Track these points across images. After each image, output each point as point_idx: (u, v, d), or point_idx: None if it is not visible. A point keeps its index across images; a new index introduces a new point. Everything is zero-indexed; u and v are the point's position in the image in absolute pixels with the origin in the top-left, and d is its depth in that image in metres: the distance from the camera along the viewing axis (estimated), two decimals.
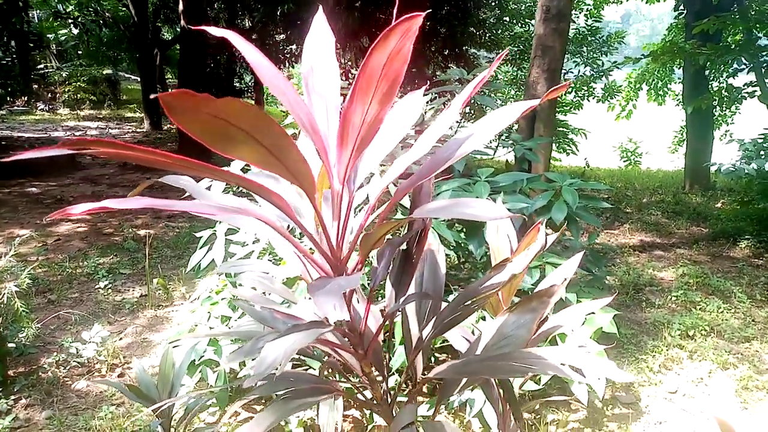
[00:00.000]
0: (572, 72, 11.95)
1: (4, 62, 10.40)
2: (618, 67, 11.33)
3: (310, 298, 1.14)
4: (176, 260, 5.15)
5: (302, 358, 2.02)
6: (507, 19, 11.28)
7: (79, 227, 6.21)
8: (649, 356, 3.38)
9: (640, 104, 12.49)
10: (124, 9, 14.32)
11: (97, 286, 4.52)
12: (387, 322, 1.17)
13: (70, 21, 14.75)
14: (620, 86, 12.12)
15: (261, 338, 0.95)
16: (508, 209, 2.96)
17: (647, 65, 11.19)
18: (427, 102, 3.66)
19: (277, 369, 0.79)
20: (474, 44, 9.20)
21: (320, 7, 1.11)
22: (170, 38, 16.18)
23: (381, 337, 1.23)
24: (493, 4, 9.14)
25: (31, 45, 11.30)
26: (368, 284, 1.31)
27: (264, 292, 1.68)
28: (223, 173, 0.82)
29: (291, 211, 0.94)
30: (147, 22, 12.85)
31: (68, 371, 3.26)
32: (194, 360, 2.51)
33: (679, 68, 10.02)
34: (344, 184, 0.99)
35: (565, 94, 11.70)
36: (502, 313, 1.20)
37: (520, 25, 11.35)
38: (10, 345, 3.21)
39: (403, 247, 1.19)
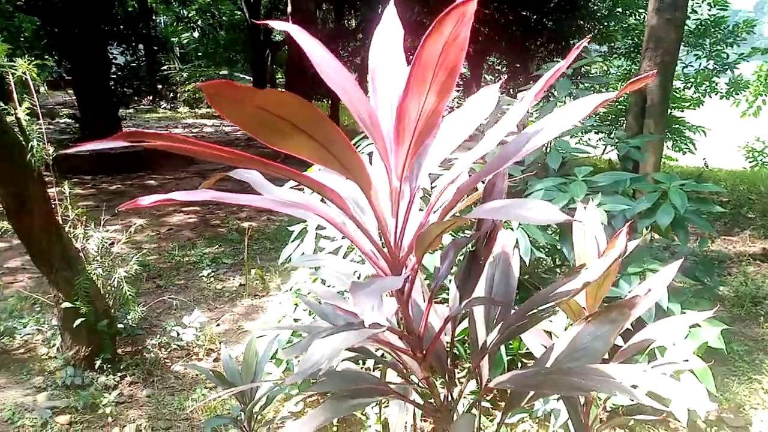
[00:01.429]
0: (692, 66, 11.10)
1: (133, 65, 11.29)
2: (746, 60, 10.38)
3: None
4: (274, 252, 5.33)
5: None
6: (620, 10, 10.68)
7: (189, 218, 6.60)
8: (765, 377, 3.06)
9: None
10: (239, 13, 15.08)
11: (201, 274, 4.78)
12: (450, 325, 1.13)
13: (191, 25, 15.77)
14: (747, 81, 11.09)
15: (315, 334, 0.94)
16: (606, 211, 2.79)
17: None
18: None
19: (321, 367, 0.77)
20: (582, 37, 8.77)
21: (391, 1, 1.08)
22: (281, 40, 16.85)
23: (446, 340, 1.19)
24: None
25: (156, 48, 12.17)
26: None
27: (341, 291, 1.69)
28: (277, 167, 0.81)
29: (348, 208, 0.92)
30: (259, 25, 13.44)
31: (169, 353, 3.47)
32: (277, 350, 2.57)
33: None
34: (401, 181, 0.96)
35: (683, 90, 10.91)
36: (579, 322, 1.11)
37: (634, 16, 10.71)
38: (120, 326, 3.46)
39: (472, 247, 1.14)
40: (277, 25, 0.98)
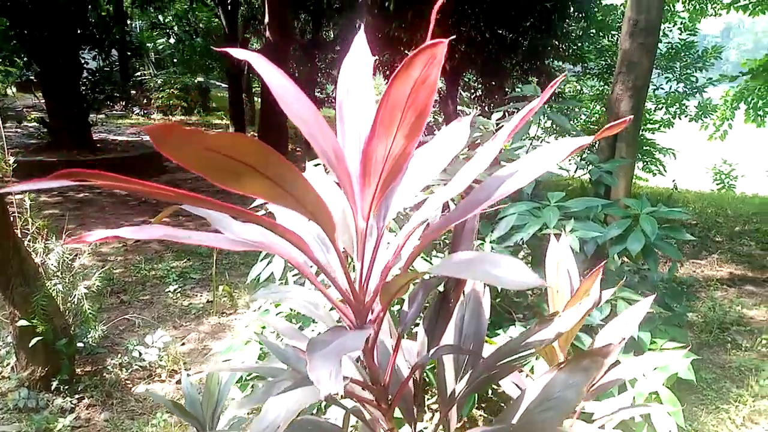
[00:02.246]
0: (663, 88, 11.32)
1: (106, 69, 11.07)
2: (714, 84, 10.63)
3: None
4: (245, 267, 5.22)
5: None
6: (593, 31, 10.85)
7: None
8: (732, 406, 3.07)
9: (736, 124, 11.63)
10: (216, 20, 14.95)
11: (167, 290, 4.65)
12: (416, 373, 1.07)
13: (167, 31, 15.57)
14: (716, 105, 11.35)
15: (274, 385, 0.87)
16: (579, 238, 2.78)
17: (746, 83, 10.43)
18: (500, 118, 3.52)
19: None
20: (557, 57, 8.88)
21: (362, 27, 1.03)
22: (258, 49, 16.75)
23: (413, 391, 1.13)
24: (579, 16, 8.79)
25: (130, 53, 11.97)
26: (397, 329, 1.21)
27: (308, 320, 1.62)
28: (230, 208, 0.75)
29: (310, 252, 0.86)
30: (236, 33, 13.34)
31: (130, 374, 3.35)
32: (242, 376, 2.48)
33: None
34: (368, 223, 0.91)
35: (654, 111, 11.11)
36: (551, 369, 1.07)
37: (607, 38, 10.89)
38: (79, 345, 3.32)
39: (440, 289, 1.10)
40: (237, 53, 0.92)
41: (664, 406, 2.19)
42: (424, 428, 2.45)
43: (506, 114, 3.83)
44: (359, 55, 1.01)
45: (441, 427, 1.11)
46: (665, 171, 9.57)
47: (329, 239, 0.84)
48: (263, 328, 2.78)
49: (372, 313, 0.96)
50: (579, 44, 9.65)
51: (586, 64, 11.03)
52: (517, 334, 2.48)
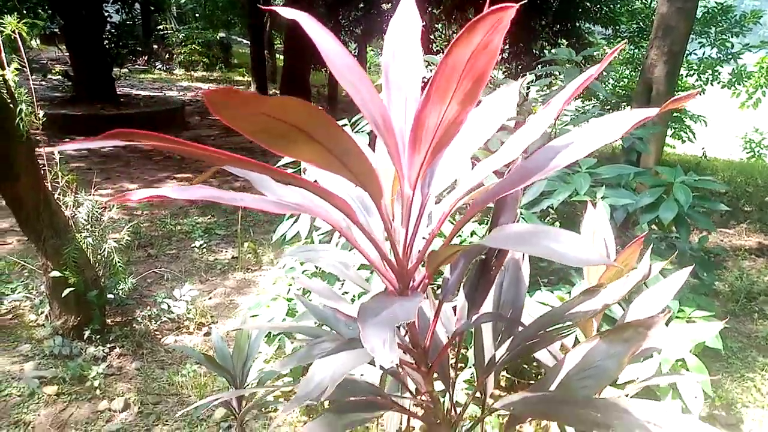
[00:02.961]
0: (696, 53, 10.96)
1: (128, 23, 11.02)
2: (750, 51, 10.25)
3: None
4: (269, 225, 5.26)
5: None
6: None
7: (183, 186, 6.51)
8: (758, 374, 3.06)
9: None
10: None
11: (193, 245, 4.71)
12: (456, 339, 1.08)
13: None
14: (750, 72, 10.97)
15: (315, 346, 0.88)
16: (611, 205, 2.74)
17: None
18: (531, 82, 3.44)
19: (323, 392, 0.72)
20: (587, 19, 8.62)
21: None
22: (281, 4, 16.48)
23: (452, 356, 1.14)
24: None
25: (153, 8, 11.87)
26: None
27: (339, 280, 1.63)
28: (274, 170, 0.75)
29: (354, 216, 0.86)
30: None
31: (159, 326, 3.43)
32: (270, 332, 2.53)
33: None
34: (415, 191, 0.90)
35: (686, 77, 10.80)
36: (592, 338, 1.06)
37: (640, 0, 10.52)
38: (110, 296, 3.40)
39: (482, 256, 1.09)
40: (285, 12, 0.90)
41: (693, 374, 2.19)
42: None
43: (536, 78, 3.74)
44: (407, 18, 0.98)
45: (479, 393, 1.12)
46: (695, 138, 9.34)
47: (375, 205, 0.83)
48: (290, 285, 2.82)
49: (414, 280, 0.96)
50: (610, 6, 9.35)
51: (617, 27, 10.70)
52: (543, 299, 2.49)
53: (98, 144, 0.69)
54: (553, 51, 3.62)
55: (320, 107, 0.68)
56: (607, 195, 2.74)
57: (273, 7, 0.92)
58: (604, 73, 10.27)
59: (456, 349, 1.15)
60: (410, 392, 1.09)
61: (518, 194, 1.08)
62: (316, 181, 1.02)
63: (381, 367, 0.66)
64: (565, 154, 0.82)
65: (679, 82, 10.39)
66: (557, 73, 3.65)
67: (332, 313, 1.08)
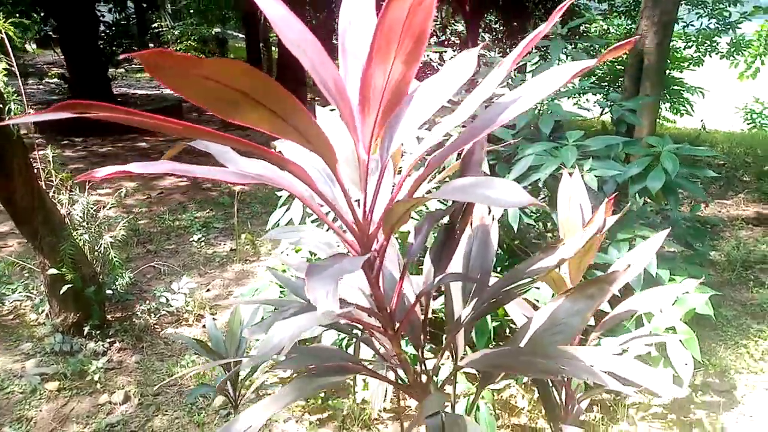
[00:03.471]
0: (693, 25, 10.87)
1: (122, 23, 11.01)
2: (748, 19, 10.16)
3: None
4: (266, 216, 5.27)
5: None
6: None
7: (181, 181, 6.53)
8: (752, 341, 3.08)
9: None
10: None
11: (191, 239, 4.74)
12: (424, 300, 1.10)
13: None
14: (749, 41, 10.86)
15: (280, 313, 0.90)
16: (597, 176, 2.75)
17: None
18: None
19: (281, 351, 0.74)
20: None
21: None
22: None
23: (420, 317, 1.16)
24: None
25: (146, 5, 11.86)
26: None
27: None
28: (233, 140, 0.76)
29: (313, 183, 0.87)
30: None
31: (159, 319, 3.46)
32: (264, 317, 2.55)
33: None
34: (369, 154, 0.91)
35: (684, 49, 10.71)
36: (558, 297, 1.08)
37: None
38: (108, 292, 3.44)
39: (447, 220, 1.11)
40: None
41: (677, 335, 2.20)
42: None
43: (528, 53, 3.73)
44: None
45: (448, 351, 1.14)
46: (693, 111, 9.28)
47: (331, 171, 0.85)
48: (284, 271, 2.84)
49: (377, 243, 0.98)
50: None
51: (612, 1, 10.64)
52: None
53: (50, 117, 0.70)
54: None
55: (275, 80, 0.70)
56: (594, 167, 2.74)
57: None
58: (602, 50, 10.24)
59: (424, 312, 1.17)
60: (380, 356, 1.11)
61: (481, 156, 1.10)
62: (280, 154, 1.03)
63: (324, 322, 0.67)
64: (512, 108, 0.83)
65: (677, 54, 10.32)
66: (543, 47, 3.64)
67: (302, 283, 1.10)
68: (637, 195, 2.96)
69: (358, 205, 0.95)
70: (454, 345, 1.16)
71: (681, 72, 10.09)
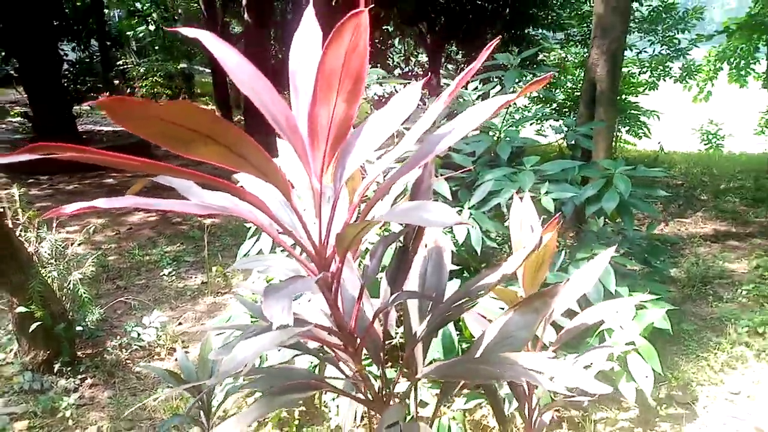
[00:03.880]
0: (647, 51, 11.33)
1: (86, 60, 11.02)
2: (696, 45, 10.64)
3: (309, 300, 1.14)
4: (236, 248, 5.23)
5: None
6: None
7: (150, 216, 6.51)
8: (711, 354, 3.20)
9: (720, 85, 11.63)
10: (195, 5, 14.80)
11: (162, 273, 4.73)
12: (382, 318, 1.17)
13: (146, 18, 15.42)
14: (699, 66, 11.34)
15: (243, 336, 0.96)
16: (554, 199, 2.87)
17: (728, 42, 10.43)
18: (474, 89, 3.58)
19: (244, 368, 0.80)
20: (536, 26, 8.90)
21: (311, 2, 1.10)
22: (240, 32, 16.57)
23: (380, 335, 1.23)
24: None
25: (109, 43, 11.89)
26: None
27: None
28: (191, 174, 0.83)
29: (270, 212, 0.94)
30: (216, 17, 13.21)
31: (130, 354, 3.45)
32: None
33: (765, 45, 9.29)
34: (321, 183, 0.99)
35: (639, 74, 11.13)
36: (507, 311, 1.16)
37: (589, 3, 10.87)
38: (79, 328, 3.42)
39: (401, 243, 1.18)
40: (188, 32, 0.99)
41: (631, 346, 2.29)
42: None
43: (482, 83, 3.89)
44: (309, 29, 1.08)
45: (408, 364, 1.21)
46: (650, 134, 9.61)
47: (286, 199, 0.92)
48: (255, 301, 2.88)
49: (334, 265, 1.05)
50: (559, 12, 9.65)
51: (567, 31, 11.02)
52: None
53: (18, 158, 0.76)
54: (495, 57, 3.76)
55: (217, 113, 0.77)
56: (550, 190, 2.87)
57: (175, 29, 1.00)
58: (562, 77, 10.58)
59: (383, 330, 1.23)
60: (344, 374, 1.17)
61: (429, 183, 1.18)
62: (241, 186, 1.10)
63: (285, 339, 0.74)
64: (447, 138, 0.92)
65: (632, 80, 10.72)
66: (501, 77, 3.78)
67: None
68: (596, 216, 3.09)
69: (318, 231, 1.03)
70: (412, 359, 1.22)
71: (636, 96, 10.47)
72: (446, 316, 1.13)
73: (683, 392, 2.91)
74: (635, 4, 10.86)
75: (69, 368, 3.20)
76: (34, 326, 3.06)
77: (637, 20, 11.21)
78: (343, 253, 0.98)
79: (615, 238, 3.35)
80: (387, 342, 1.22)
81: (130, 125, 0.72)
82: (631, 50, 11.35)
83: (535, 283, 1.58)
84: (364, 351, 1.19)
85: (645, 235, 3.53)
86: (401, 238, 1.20)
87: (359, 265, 1.32)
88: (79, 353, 3.39)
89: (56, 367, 3.16)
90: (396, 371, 2.60)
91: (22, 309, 3.06)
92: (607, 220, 3.40)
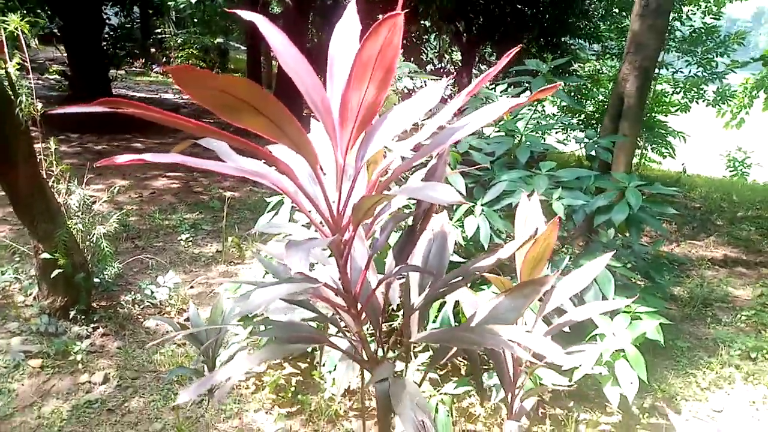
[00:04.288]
0: (682, 71, 11.25)
1: (127, 26, 11.23)
2: (733, 71, 10.55)
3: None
4: (253, 222, 5.44)
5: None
6: (617, 11, 10.78)
7: (173, 183, 6.69)
8: (701, 372, 3.28)
9: (755, 113, 11.51)
10: None
11: (179, 238, 4.90)
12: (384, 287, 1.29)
13: None
14: (734, 91, 11.24)
15: (260, 285, 1.08)
16: (565, 205, 2.96)
17: (766, 71, 10.34)
18: (502, 92, 3.67)
19: (259, 310, 0.92)
20: (573, 35, 8.91)
21: None
22: (279, 12, 16.69)
23: (381, 303, 1.35)
24: None
25: (150, 11, 12.08)
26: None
27: None
28: (235, 139, 0.95)
29: (297, 179, 1.06)
30: None
31: (142, 310, 3.61)
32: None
33: None
34: (345, 160, 1.11)
35: (672, 94, 11.08)
36: (500, 295, 1.28)
37: (629, 18, 10.81)
38: (96, 280, 3.59)
39: (410, 222, 1.30)
40: (245, 15, 1.11)
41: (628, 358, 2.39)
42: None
43: (511, 87, 3.97)
44: (349, 22, 1.19)
45: (404, 330, 1.33)
46: (674, 154, 9.59)
47: (312, 170, 1.04)
48: (266, 271, 3.01)
49: (348, 234, 1.16)
50: (598, 23, 9.64)
51: (605, 43, 10.98)
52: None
53: (91, 109, 0.89)
54: (526, 62, 3.84)
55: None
56: (562, 195, 2.96)
57: (236, 11, 1.12)
58: (594, 89, 10.57)
59: (384, 299, 1.35)
60: (344, 334, 1.29)
61: (442, 171, 1.29)
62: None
63: (301, 304, 0.86)
64: (458, 133, 1.03)
65: (665, 99, 10.67)
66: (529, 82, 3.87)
67: (283, 267, 1.29)
68: (606, 227, 3.17)
69: (337, 201, 1.14)
70: (408, 326, 1.34)
71: (666, 116, 10.43)
72: (442, 290, 1.24)
73: (667, 404, 3.00)
74: (676, 23, 10.79)
75: (83, 316, 3.37)
76: (55, 273, 3.23)
77: (676, 39, 11.11)
78: (356, 223, 1.10)
79: (622, 251, 3.43)
80: (387, 311, 1.33)
81: (192, 92, 0.84)
82: (667, 69, 11.26)
83: (533, 276, 1.69)
84: (365, 316, 1.31)
85: (651, 250, 3.60)
86: (410, 219, 1.31)
87: (370, 242, 1.43)
88: (94, 304, 3.56)
89: (72, 314, 3.33)
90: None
91: (46, 255, 3.23)
92: (618, 233, 3.48)
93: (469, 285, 2.17)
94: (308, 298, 1.23)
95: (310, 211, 1.18)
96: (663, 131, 9.96)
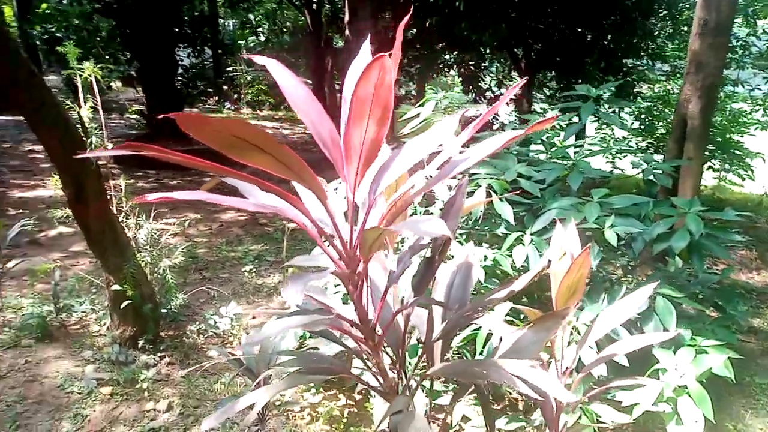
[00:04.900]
0: (760, 88, 10.70)
1: (199, 66, 11.89)
2: None
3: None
4: None
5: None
6: (685, 29, 10.43)
7: (240, 216, 6.94)
8: None
9: None
10: (302, 18, 15.55)
11: (244, 269, 5.07)
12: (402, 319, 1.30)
13: (256, 29, 16.37)
14: None
15: (277, 316, 1.12)
16: (617, 233, 2.86)
17: None
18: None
19: (269, 339, 0.95)
20: (636, 56, 8.67)
21: (368, 36, 1.26)
22: (342, 46, 17.19)
23: (402, 333, 1.36)
24: (664, 13, 8.54)
25: (220, 51, 12.75)
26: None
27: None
28: (249, 178, 1.01)
29: (308, 212, 1.10)
30: (320, 32, 13.83)
31: (206, 339, 3.75)
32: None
33: None
34: (354, 194, 1.14)
35: (750, 113, 10.53)
36: (522, 327, 1.26)
37: None
38: (163, 311, 3.77)
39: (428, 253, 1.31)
40: (257, 59, 1.17)
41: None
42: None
43: (562, 112, 3.91)
44: (364, 60, 1.24)
45: (425, 355, 1.33)
46: (753, 176, 9.05)
47: (321, 203, 1.08)
48: None
49: (361, 266, 1.19)
50: (664, 43, 9.34)
51: (673, 63, 10.62)
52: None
53: (116, 153, 0.96)
54: (585, 87, 3.77)
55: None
56: (616, 223, 2.86)
57: (249, 56, 1.19)
58: (665, 110, 10.19)
59: (404, 330, 1.36)
60: (365, 364, 1.31)
61: (460, 204, 1.30)
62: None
63: (308, 323, 0.89)
64: (463, 164, 1.04)
65: (744, 118, 10.14)
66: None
67: (308, 300, 1.33)
68: (669, 255, 3.03)
69: (349, 234, 1.18)
70: (429, 356, 1.35)
71: (742, 136, 9.90)
72: (458, 322, 1.24)
73: None
74: (752, 38, 10.33)
75: (151, 346, 3.54)
76: (125, 304, 3.42)
77: (752, 55, 10.60)
78: (366, 254, 1.13)
79: (693, 281, 3.25)
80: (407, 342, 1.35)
81: (197, 135, 0.90)
82: (743, 86, 10.74)
83: (570, 302, 1.65)
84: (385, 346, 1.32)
85: (718, 278, 3.41)
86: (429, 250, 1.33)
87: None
88: (162, 333, 3.73)
89: (140, 343, 3.50)
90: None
91: (116, 287, 3.42)
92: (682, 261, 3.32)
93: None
94: (328, 329, 1.26)
95: (326, 244, 1.21)
96: (739, 152, 9.46)
